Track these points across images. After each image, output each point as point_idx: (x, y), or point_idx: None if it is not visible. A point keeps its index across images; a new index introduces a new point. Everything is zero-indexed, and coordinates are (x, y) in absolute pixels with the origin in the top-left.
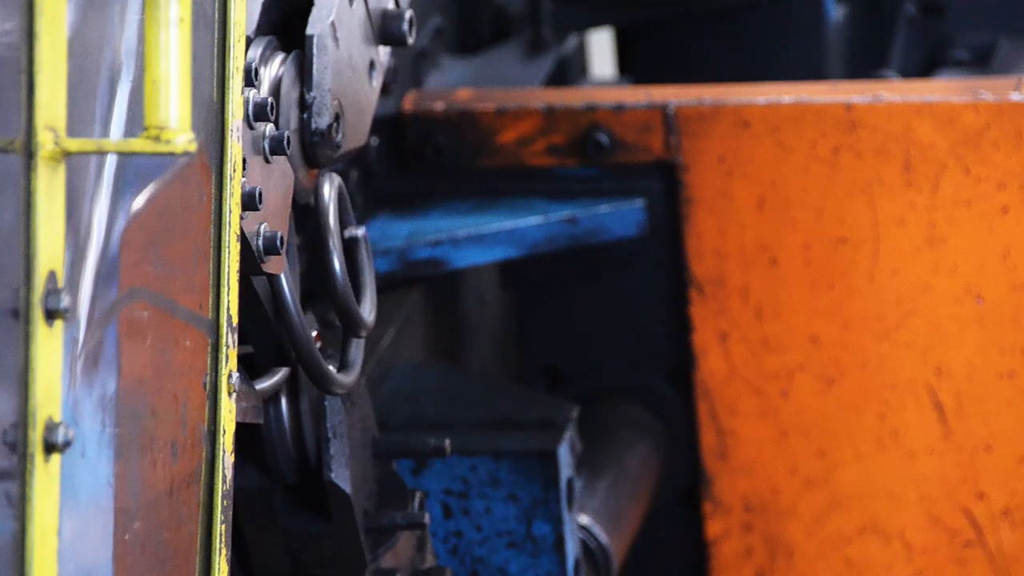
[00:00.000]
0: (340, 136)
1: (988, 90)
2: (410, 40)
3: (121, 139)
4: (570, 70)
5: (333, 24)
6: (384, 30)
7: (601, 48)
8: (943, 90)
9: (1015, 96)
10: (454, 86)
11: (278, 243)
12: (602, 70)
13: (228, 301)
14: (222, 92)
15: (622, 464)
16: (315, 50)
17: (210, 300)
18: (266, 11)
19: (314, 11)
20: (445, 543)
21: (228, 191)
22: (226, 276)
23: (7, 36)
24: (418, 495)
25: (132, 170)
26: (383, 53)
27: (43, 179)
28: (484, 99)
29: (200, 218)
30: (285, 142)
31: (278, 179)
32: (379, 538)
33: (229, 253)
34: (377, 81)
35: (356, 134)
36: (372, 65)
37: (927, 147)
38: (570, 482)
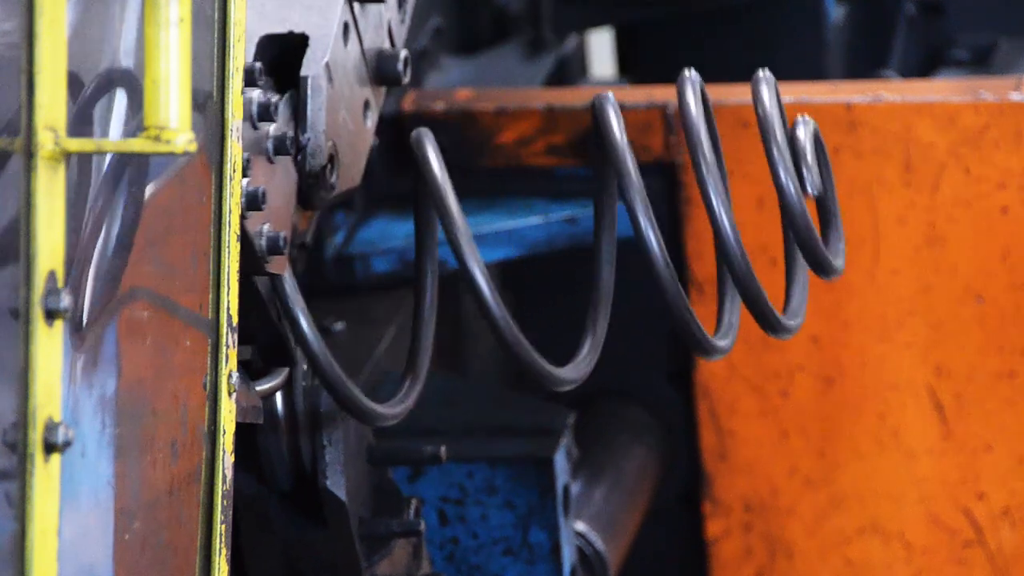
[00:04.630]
0: (335, 177)
1: (988, 90)
2: (405, 80)
3: (121, 139)
4: (570, 70)
5: (328, 65)
6: (379, 70)
7: (601, 48)
8: (943, 90)
9: (1015, 96)
10: (454, 86)
11: (281, 243)
12: (602, 70)
13: (228, 301)
14: (222, 92)
15: (620, 469)
16: (310, 92)
17: (210, 300)
18: (260, 48)
19: (308, 51)
20: (441, 550)
21: (228, 191)
22: (226, 276)
23: (7, 36)
24: (414, 502)
25: (132, 170)
26: (378, 93)
27: (43, 179)
28: (484, 99)
29: (200, 218)
30: (288, 142)
31: (281, 179)
32: (375, 545)
33: (229, 253)
34: (372, 121)
35: (350, 175)
36: (367, 105)
37: (927, 147)
38: (566, 489)
